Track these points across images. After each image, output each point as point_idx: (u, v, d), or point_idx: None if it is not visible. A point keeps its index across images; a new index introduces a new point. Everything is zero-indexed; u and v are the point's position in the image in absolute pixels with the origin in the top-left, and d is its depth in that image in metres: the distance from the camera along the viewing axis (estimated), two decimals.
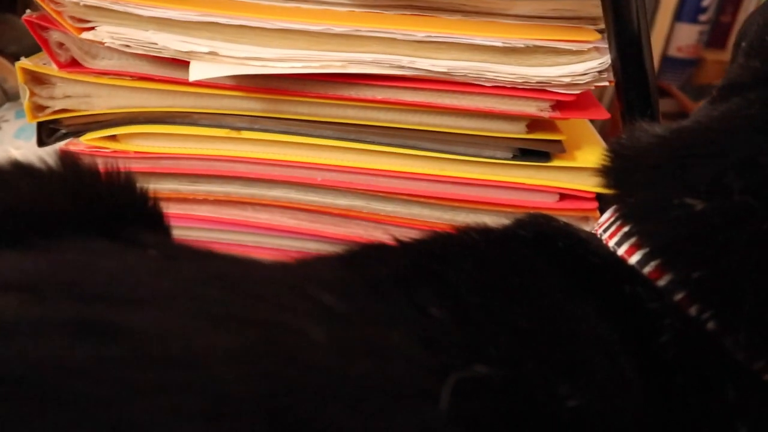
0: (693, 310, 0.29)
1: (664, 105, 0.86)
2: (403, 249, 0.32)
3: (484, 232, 0.34)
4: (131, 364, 0.19)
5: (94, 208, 0.31)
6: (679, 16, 1.00)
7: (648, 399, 0.27)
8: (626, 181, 0.34)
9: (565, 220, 0.38)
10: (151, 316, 0.21)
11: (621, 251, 0.32)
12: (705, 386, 0.28)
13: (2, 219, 0.28)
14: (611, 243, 0.33)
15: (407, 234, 0.48)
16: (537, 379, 0.25)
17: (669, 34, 1.00)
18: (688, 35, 1.01)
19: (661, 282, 0.30)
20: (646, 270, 0.31)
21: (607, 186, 0.35)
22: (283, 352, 0.21)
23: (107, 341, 0.19)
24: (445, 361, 0.24)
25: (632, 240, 0.32)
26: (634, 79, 0.43)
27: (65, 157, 0.33)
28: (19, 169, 0.32)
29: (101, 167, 0.34)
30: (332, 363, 0.22)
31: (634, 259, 0.31)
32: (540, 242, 0.34)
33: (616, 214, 0.33)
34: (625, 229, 0.32)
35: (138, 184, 0.35)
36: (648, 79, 0.43)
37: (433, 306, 0.26)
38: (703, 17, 1.00)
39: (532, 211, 0.38)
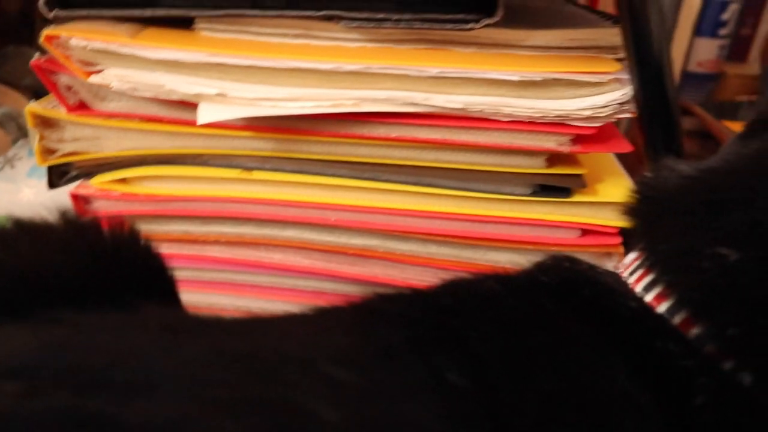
0: (726, 365, 0.27)
1: (686, 123, 0.84)
2: (419, 302, 0.31)
3: (505, 280, 0.33)
4: None
5: (98, 271, 0.30)
6: (698, 30, 0.98)
7: None
8: (654, 225, 0.32)
9: (588, 259, 0.36)
10: (152, 404, 0.19)
11: (648, 298, 0.30)
12: None
13: (4, 288, 0.27)
14: (638, 288, 0.31)
15: (424, 274, 0.48)
16: None
17: (688, 50, 0.99)
18: (708, 50, 0.99)
19: (692, 333, 0.28)
20: (676, 320, 0.29)
21: (633, 230, 0.34)
22: None
23: None
24: None
25: (660, 288, 0.30)
26: (657, 111, 0.41)
27: (68, 214, 0.32)
28: (20, 230, 0.31)
29: (105, 224, 0.33)
30: None
31: (662, 308, 0.30)
32: (564, 291, 0.32)
33: (643, 260, 0.32)
34: (653, 276, 0.31)
35: (143, 241, 0.34)
36: (672, 110, 0.41)
37: (451, 372, 0.25)
38: (722, 31, 0.98)
39: (554, 253, 0.36)
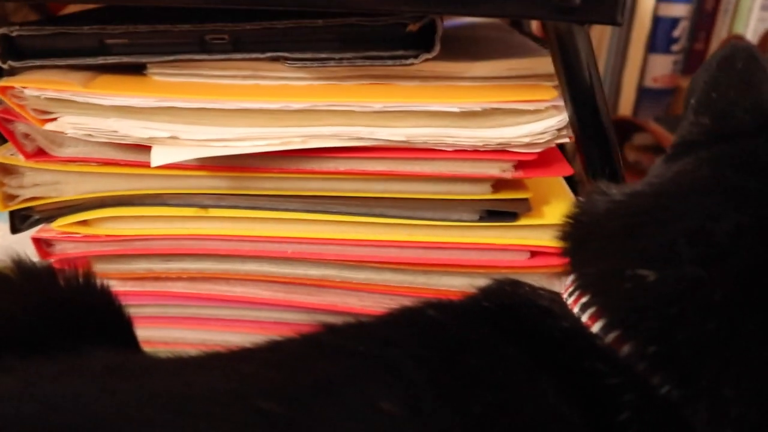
0: (654, 381, 0.29)
1: (642, 139, 0.86)
2: (360, 334, 0.32)
3: (444, 307, 0.34)
4: None
5: (51, 316, 0.31)
6: (652, 47, 1.01)
7: None
8: (583, 249, 0.34)
9: (539, 280, 0.37)
10: None
11: (584, 318, 0.32)
12: None
13: None
14: (575, 309, 0.33)
15: (381, 301, 0.49)
16: None
17: (643, 66, 1.01)
18: (662, 65, 1.02)
19: (623, 352, 0.30)
20: (608, 339, 0.30)
21: (565, 253, 0.35)
22: None
23: None
24: None
25: (593, 309, 0.32)
26: (592, 135, 0.43)
27: (21, 261, 0.34)
28: None
29: (59, 270, 0.34)
30: None
31: (596, 328, 0.31)
32: (502, 314, 0.33)
33: (576, 282, 0.33)
34: (584, 299, 0.32)
35: (98, 282, 0.35)
36: (607, 134, 0.43)
37: (385, 400, 0.26)
38: (675, 47, 1.01)
39: (499, 277, 0.38)
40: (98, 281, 0.36)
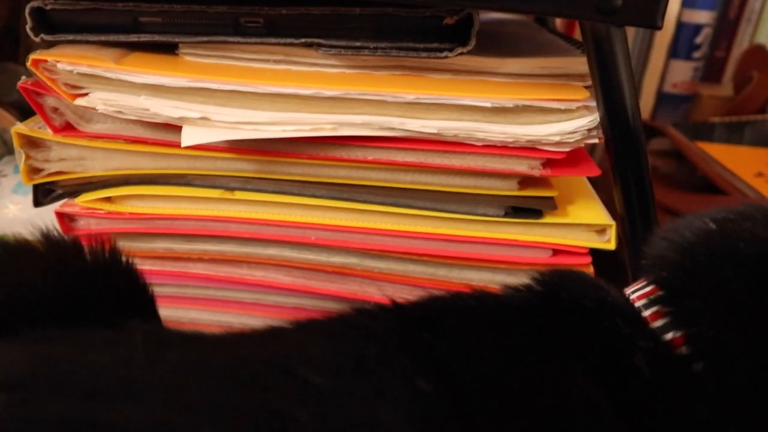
0: (710, 385, 0.29)
1: (660, 144, 0.86)
2: (395, 315, 0.32)
3: (480, 297, 0.34)
4: None
5: (79, 290, 0.31)
6: (673, 53, 1.01)
7: None
8: (670, 247, 0.33)
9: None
10: (139, 410, 0.21)
11: (646, 313, 0.32)
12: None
13: None
14: (639, 303, 0.33)
15: (401, 291, 0.49)
16: None
17: (664, 71, 1.01)
18: (682, 71, 1.02)
19: (680, 351, 0.30)
20: (668, 337, 0.31)
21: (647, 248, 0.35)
22: None
23: None
24: None
25: (658, 306, 0.32)
26: (622, 137, 0.43)
27: (50, 234, 0.34)
28: (3, 250, 0.32)
29: (86, 244, 0.34)
30: None
31: (657, 324, 0.31)
32: (543, 306, 0.33)
33: (651, 277, 0.33)
34: (655, 295, 0.32)
35: (124, 259, 0.35)
36: (637, 137, 0.43)
37: (419, 378, 0.26)
38: (697, 54, 1.01)
39: (562, 269, 0.37)
40: (123, 257, 0.36)
